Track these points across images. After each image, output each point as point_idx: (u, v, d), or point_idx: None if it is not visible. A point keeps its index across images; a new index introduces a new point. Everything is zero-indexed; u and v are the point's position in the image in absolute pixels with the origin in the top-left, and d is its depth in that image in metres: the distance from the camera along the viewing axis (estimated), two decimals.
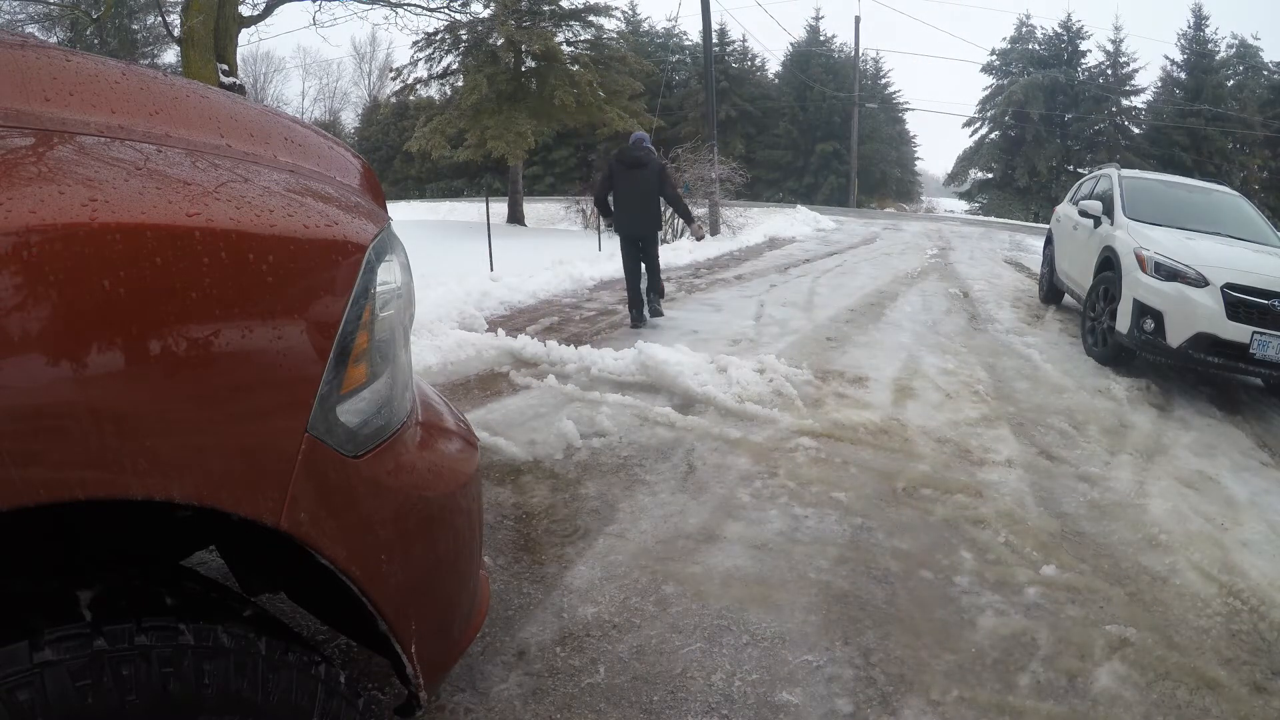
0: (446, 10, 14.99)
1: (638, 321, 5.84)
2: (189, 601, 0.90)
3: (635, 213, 5.82)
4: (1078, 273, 6.48)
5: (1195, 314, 4.60)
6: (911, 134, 37.91)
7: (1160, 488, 3.25)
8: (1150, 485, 3.27)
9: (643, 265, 5.88)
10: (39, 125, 0.75)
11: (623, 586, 2.19)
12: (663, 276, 6.27)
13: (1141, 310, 4.86)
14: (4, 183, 0.65)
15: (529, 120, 15.40)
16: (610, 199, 5.94)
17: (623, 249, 5.92)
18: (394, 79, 19.08)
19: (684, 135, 24.12)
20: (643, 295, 5.93)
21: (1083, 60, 31.20)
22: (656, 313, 6.01)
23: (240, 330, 0.78)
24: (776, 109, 33.14)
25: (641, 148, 5.85)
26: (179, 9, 10.22)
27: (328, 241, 0.89)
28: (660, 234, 6.43)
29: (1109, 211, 6.00)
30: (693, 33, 32.81)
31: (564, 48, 16.26)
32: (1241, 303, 4.51)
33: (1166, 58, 30.33)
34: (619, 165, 5.83)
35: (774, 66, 35.02)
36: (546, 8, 16.57)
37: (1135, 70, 30.58)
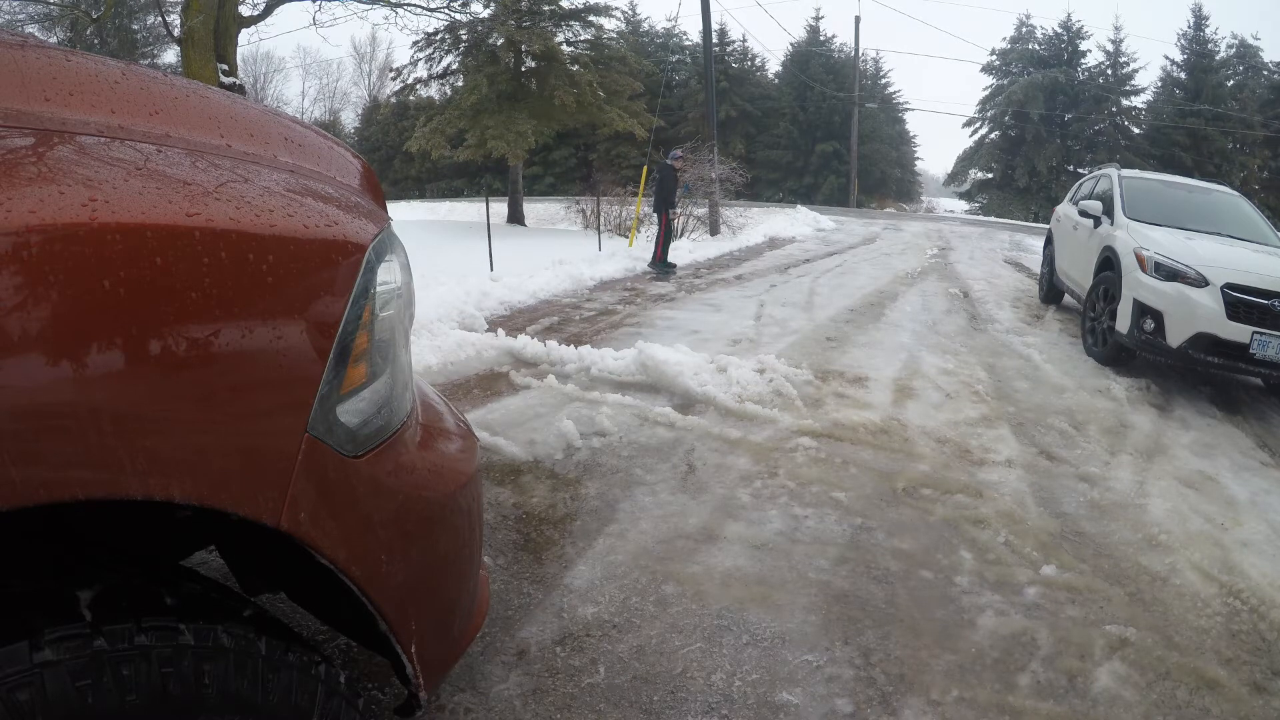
0: (446, 10, 14.98)
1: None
2: (189, 601, 0.90)
3: (654, 198, 9.55)
4: (1078, 273, 6.48)
5: (1195, 314, 4.60)
6: (911, 134, 38.01)
7: (1160, 488, 3.25)
8: (1150, 485, 3.27)
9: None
10: (39, 125, 0.75)
11: (623, 586, 2.19)
12: (665, 267, 8.97)
13: (1141, 310, 4.86)
14: (4, 183, 0.65)
15: (529, 120, 15.37)
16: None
17: None
18: (394, 79, 19.05)
19: (684, 135, 24.12)
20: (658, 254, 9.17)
21: (1083, 60, 31.21)
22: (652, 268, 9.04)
23: (240, 330, 0.78)
24: (776, 109, 33.12)
25: (667, 159, 9.68)
26: (179, 9, 10.20)
27: (328, 241, 0.89)
28: (671, 217, 9.65)
29: (1109, 211, 6.00)
30: (693, 33, 32.84)
31: (564, 48, 16.22)
32: (1241, 303, 4.51)
33: (1166, 58, 30.38)
34: (656, 168, 10.22)
35: (774, 66, 35.07)
36: (546, 8, 16.53)
37: (1135, 70, 30.61)
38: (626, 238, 12.33)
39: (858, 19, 37.42)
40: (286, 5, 11.55)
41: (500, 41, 15.45)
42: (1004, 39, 33.00)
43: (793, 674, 1.87)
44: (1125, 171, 6.68)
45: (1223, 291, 4.56)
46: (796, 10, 56.51)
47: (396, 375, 1.04)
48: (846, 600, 2.20)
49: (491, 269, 7.75)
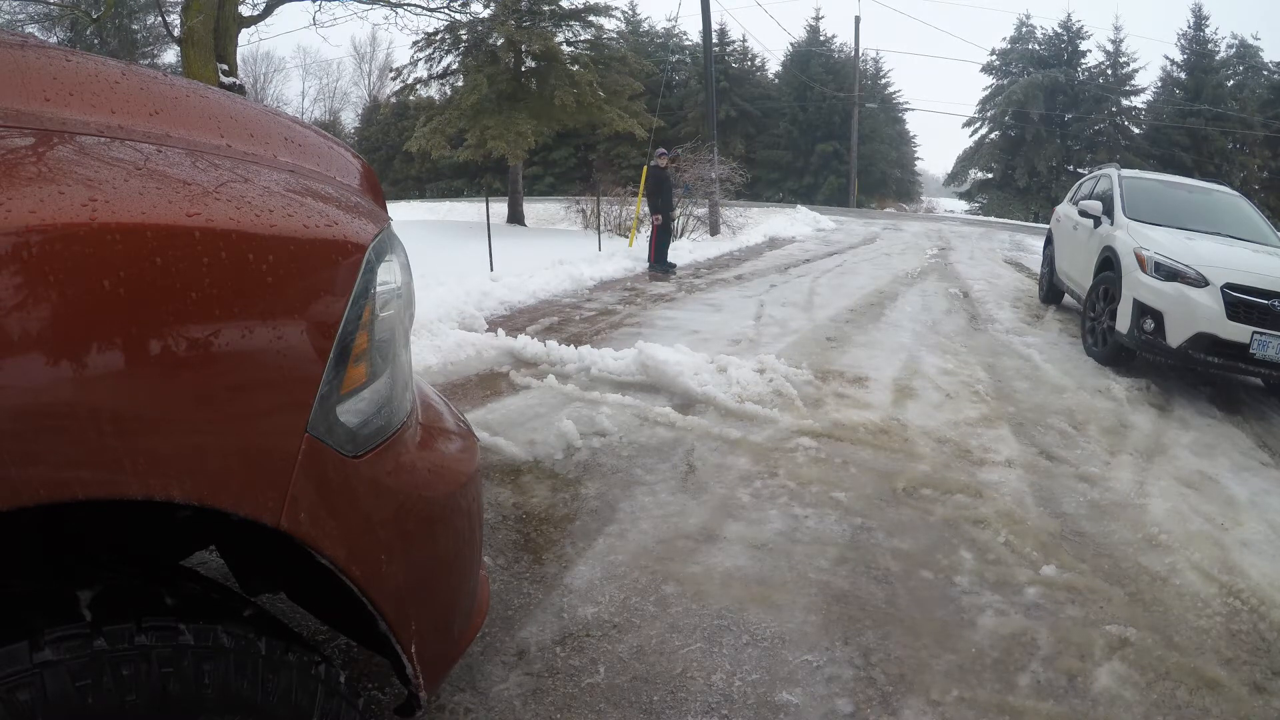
0: (446, 10, 14.97)
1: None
2: (189, 601, 0.90)
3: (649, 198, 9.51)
4: (1078, 273, 6.48)
5: (1195, 314, 4.60)
6: (911, 134, 37.99)
7: (1160, 488, 3.25)
8: (1150, 485, 3.27)
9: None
10: (39, 125, 0.75)
11: (623, 586, 2.19)
12: (665, 267, 8.96)
13: (1141, 310, 4.86)
14: (4, 183, 0.65)
15: (529, 120, 15.37)
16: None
17: None
18: (394, 79, 19.06)
19: (684, 135, 24.14)
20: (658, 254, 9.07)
21: (1083, 60, 31.20)
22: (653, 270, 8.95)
23: (240, 330, 0.78)
24: (776, 109, 33.13)
25: (651, 160, 9.49)
26: (179, 9, 10.19)
27: (328, 241, 0.89)
28: (672, 216, 9.84)
29: (1109, 211, 6.00)
30: (693, 33, 32.82)
31: (564, 48, 16.22)
32: (1241, 303, 4.51)
33: (1166, 58, 30.37)
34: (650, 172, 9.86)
35: (774, 66, 35.07)
36: (546, 8, 16.53)
37: (1135, 70, 30.60)
38: (626, 238, 12.34)
39: (858, 19, 37.49)
40: (286, 5, 11.53)
41: (500, 41, 15.46)
42: (1004, 39, 33.08)
43: (793, 674, 1.87)
44: (1125, 171, 6.68)
45: (1223, 291, 4.56)
46: (796, 10, 56.60)
47: (396, 375, 1.04)
48: (846, 600, 2.20)
49: (491, 269, 7.75)
